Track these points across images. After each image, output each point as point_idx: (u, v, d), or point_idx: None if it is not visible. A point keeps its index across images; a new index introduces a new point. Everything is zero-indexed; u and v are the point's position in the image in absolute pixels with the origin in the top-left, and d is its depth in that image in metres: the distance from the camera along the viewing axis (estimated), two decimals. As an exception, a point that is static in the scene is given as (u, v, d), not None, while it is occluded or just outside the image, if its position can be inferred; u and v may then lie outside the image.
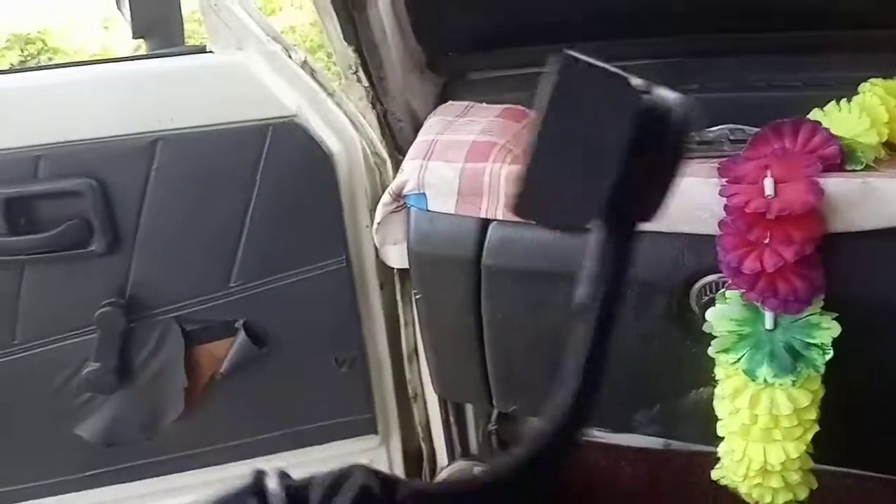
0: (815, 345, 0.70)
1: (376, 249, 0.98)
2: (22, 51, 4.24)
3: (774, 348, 0.71)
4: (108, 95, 0.95)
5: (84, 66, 1.09)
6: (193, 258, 0.98)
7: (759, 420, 0.73)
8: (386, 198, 0.84)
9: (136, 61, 1.02)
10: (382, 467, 1.21)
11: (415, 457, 1.24)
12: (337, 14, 0.85)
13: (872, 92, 0.74)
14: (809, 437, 0.72)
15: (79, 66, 1.08)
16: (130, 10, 1.00)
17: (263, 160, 0.95)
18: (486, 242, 0.79)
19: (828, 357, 0.70)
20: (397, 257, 0.95)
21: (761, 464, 0.74)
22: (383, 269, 1.04)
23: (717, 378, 0.75)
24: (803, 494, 0.75)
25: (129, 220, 0.95)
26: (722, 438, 0.77)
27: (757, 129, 0.76)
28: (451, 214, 0.80)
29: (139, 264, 0.97)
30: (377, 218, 0.88)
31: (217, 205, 0.96)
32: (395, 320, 1.13)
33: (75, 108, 0.93)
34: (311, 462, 1.14)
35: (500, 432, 1.20)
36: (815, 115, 0.75)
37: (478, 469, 1.18)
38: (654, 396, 0.83)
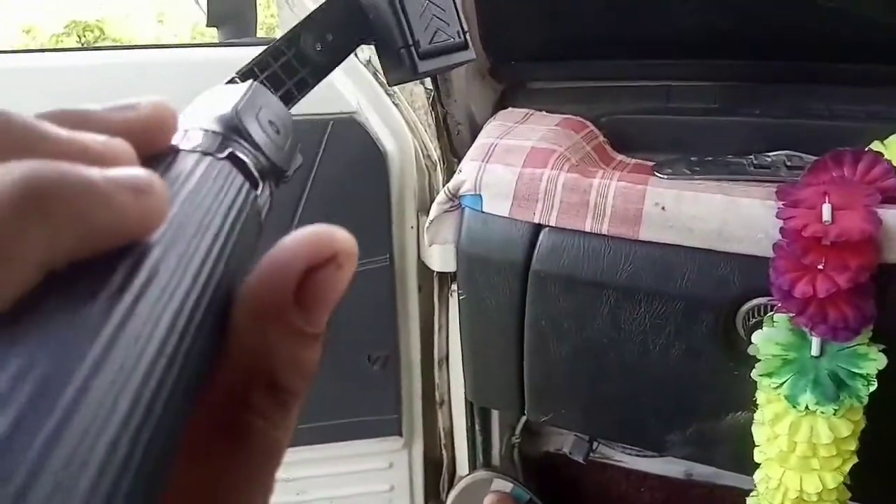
0: (860, 375, 0.70)
1: (418, 251, 0.99)
2: (80, 37, 4.38)
3: (819, 375, 0.71)
4: (178, 80, 0.98)
5: (158, 48, 1.13)
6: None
7: (797, 448, 0.72)
8: (441, 196, 0.86)
9: (208, 48, 1.05)
10: (403, 470, 1.22)
11: (435, 463, 1.25)
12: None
13: (935, 129, 0.75)
14: (847, 468, 0.72)
15: (151, 48, 1.12)
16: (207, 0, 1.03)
17: (321, 155, 0.97)
18: (537, 247, 0.80)
19: (872, 388, 0.69)
20: (439, 259, 0.96)
21: (797, 493, 0.73)
22: (423, 270, 1.05)
23: (757, 402, 0.75)
24: (838, 526, 0.74)
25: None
26: (756, 466, 0.77)
27: (814, 157, 0.77)
28: (505, 217, 0.81)
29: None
30: (430, 216, 0.89)
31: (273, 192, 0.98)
32: (429, 323, 1.14)
33: (144, 91, 0.96)
34: (333, 458, 1.15)
35: (524, 447, 1.20)
36: (875, 146, 0.76)
37: (497, 481, 1.18)
38: (690, 417, 0.83)
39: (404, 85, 1.01)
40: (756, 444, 0.76)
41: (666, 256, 0.75)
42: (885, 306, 0.68)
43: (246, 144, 0.22)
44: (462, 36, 0.37)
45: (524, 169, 0.80)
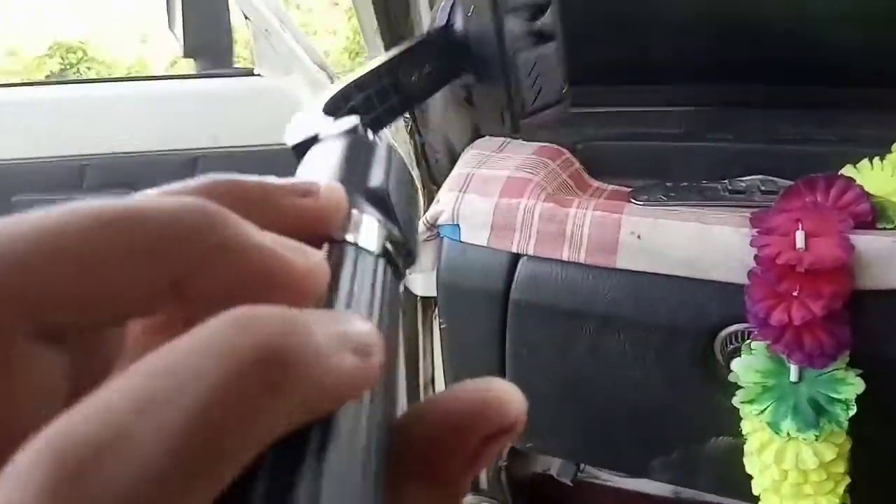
0: (839, 400, 0.70)
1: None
2: (63, 59, 4.36)
3: (798, 402, 0.71)
4: (156, 111, 0.98)
5: (135, 81, 1.13)
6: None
7: (788, 476, 0.73)
8: (420, 227, 0.86)
9: (185, 80, 1.05)
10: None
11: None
12: (385, 48, 0.88)
13: (906, 152, 0.76)
14: (841, 489, 0.72)
15: (130, 80, 1.12)
16: (183, 30, 1.03)
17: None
18: (516, 277, 0.80)
19: (851, 413, 0.70)
20: (422, 285, 0.96)
21: (797, 521, 0.73)
22: (406, 295, 1.05)
23: (744, 432, 0.75)
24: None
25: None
26: (740, 488, 0.77)
27: (788, 182, 0.77)
28: (483, 247, 0.81)
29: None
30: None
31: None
32: (414, 348, 1.14)
33: (123, 122, 0.97)
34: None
35: (511, 469, 1.19)
36: (847, 171, 0.77)
37: (486, 504, 1.17)
38: (672, 442, 0.83)
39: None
40: (750, 475, 0.76)
41: (643, 285, 0.75)
42: (860, 332, 0.69)
43: (395, 232, 0.20)
44: (562, 94, 0.36)
45: (501, 199, 0.80)
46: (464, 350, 0.89)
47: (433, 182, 1.01)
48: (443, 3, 0.38)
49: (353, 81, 0.32)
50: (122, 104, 1.00)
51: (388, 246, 0.20)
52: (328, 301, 0.17)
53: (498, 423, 0.17)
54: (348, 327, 0.15)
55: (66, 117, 0.97)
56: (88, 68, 4.34)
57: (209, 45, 1.04)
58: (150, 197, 0.16)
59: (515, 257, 0.81)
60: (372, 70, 0.33)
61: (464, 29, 0.34)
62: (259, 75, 0.99)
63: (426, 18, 0.89)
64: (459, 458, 0.17)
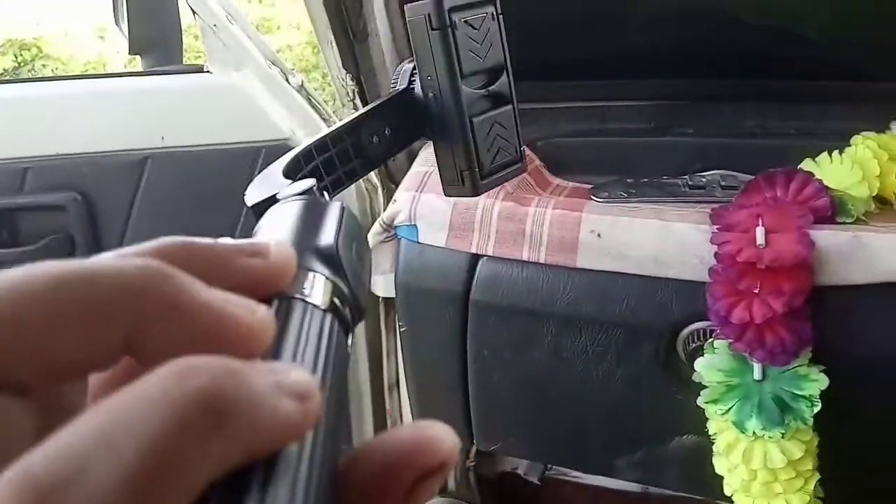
0: (803, 397, 0.69)
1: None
2: (16, 56, 4.24)
3: (763, 400, 0.70)
4: (102, 110, 0.94)
5: (79, 79, 1.08)
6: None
7: (758, 475, 0.72)
8: (377, 227, 0.83)
9: (132, 77, 1.01)
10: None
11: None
12: (337, 42, 0.85)
13: (865, 145, 0.75)
14: (811, 486, 0.71)
15: (73, 79, 1.08)
16: (129, 26, 0.99)
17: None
18: (475, 278, 0.78)
19: (816, 409, 0.69)
20: (383, 286, 0.94)
21: (769, 519, 0.73)
22: (368, 297, 1.03)
23: (710, 433, 0.74)
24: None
25: (113, 237, 0.94)
26: (707, 486, 0.76)
27: (748, 176, 0.76)
28: (442, 248, 0.79)
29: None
30: (366, 247, 0.87)
31: (204, 225, 0.95)
32: (377, 350, 1.12)
33: (67, 122, 0.93)
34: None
35: (480, 469, 1.18)
36: (807, 165, 0.76)
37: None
38: (637, 441, 0.82)
39: (342, 110, 0.99)
40: (717, 473, 0.75)
41: (604, 283, 0.74)
42: (821, 328, 0.68)
43: (344, 288, 0.22)
44: (518, 152, 0.37)
45: (459, 200, 0.78)
46: (425, 353, 0.87)
47: (391, 181, 0.99)
48: (404, 67, 0.39)
49: (312, 144, 0.33)
50: (66, 103, 0.95)
51: (336, 301, 0.21)
52: (275, 353, 0.18)
53: (428, 463, 0.18)
54: (285, 375, 0.16)
55: (5, 118, 0.93)
56: (44, 65, 4.22)
57: (156, 41, 1.00)
58: (104, 258, 0.17)
59: (475, 258, 0.79)
60: (331, 132, 0.35)
61: (423, 93, 0.35)
62: (209, 72, 0.96)
63: (380, 16, 0.86)
64: (393, 498, 0.18)
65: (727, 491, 0.75)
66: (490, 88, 0.35)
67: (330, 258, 0.22)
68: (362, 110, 0.36)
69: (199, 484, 0.14)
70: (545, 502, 1.21)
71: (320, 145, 0.33)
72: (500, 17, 0.35)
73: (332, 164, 0.33)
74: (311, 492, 0.16)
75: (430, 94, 0.35)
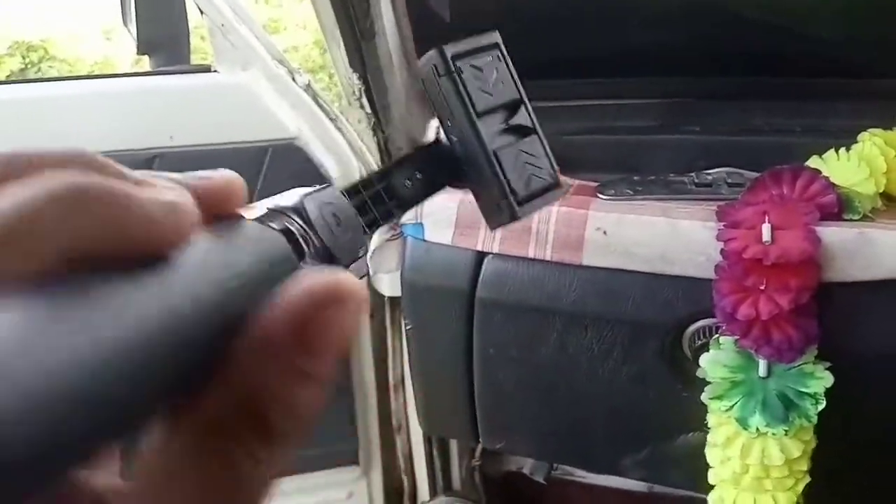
0: (807, 394, 0.69)
1: (367, 276, 0.97)
2: (24, 58, 4.27)
3: (767, 397, 0.70)
4: (110, 110, 0.95)
5: (87, 79, 1.09)
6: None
7: (750, 469, 0.72)
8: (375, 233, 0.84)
9: (139, 77, 1.02)
10: (363, 500, 1.19)
11: (396, 490, 1.22)
12: (344, 41, 0.86)
13: (872, 142, 0.75)
14: (800, 488, 0.71)
15: (81, 80, 1.08)
16: (136, 26, 1.00)
17: (261, 181, 0.95)
18: (481, 275, 0.79)
19: (820, 407, 0.69)
20: (389, 285, 0.94)
21: (751, 514, 0.73)
22: (373, 296, 1.03)
23: (709, 425, 0.74)
24: (792, 546, 0.74)
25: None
26: (712, 486, 0.76)
27: (755, 174, 0.76)
28: (448, 246, 0.79)
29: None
30: (372, 245, 0.87)
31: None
32: (382, 349, 1.12)
33: (76, 122, 0.93)
34: (289, 491, 1.12)
35: (485, 468, 1.18)
36: (813, 162, 0.76)
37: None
38: (642, 440, 0.82)
39: (348, 109, 0.99)
40: (710, 465, 0.75)
41: (610, 281, 0.74)
42: (827, 325, 0.68)
43: (301, 223, 0.24)
44: (553, 177, 0.37)
45: (465, 196, 0.78)
46: (430, 350, 0.87)
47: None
48: (433, 122, 0.39)
49: (346, 186, 0.34)
50: (75, 103, 0.96)
51: (292, 229, 0.23)
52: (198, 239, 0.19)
53: (323, 294, 0.18)
54: (164, 193, 0.18)
55: (15, 117, 0.93)
56: (51, 67, 4.24)
57: (164, 41, 1.01)
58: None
59: (480, 255, 0.79)
60: (365, 177, 0.35)
61: (448, 140, 0.36)
62: (216, 72, 0.96)
63: (387, 15, 0.87)
64: (286, 327, 0.18)
65: (712, 480, 0.74)
66: (510, 122, 0.36)
67: (293, 203, 0.24)
68: (389, 163, 0.37)
69: (48, 251, 0.15)
70: (550, 502, 1.21)
71: (351, 189, 0.34)
72: (507, 58, 0.36)
73: (366, 206, 0.34)
74: (188, 306, 0.17)
75: (454, 139, 0.36)
